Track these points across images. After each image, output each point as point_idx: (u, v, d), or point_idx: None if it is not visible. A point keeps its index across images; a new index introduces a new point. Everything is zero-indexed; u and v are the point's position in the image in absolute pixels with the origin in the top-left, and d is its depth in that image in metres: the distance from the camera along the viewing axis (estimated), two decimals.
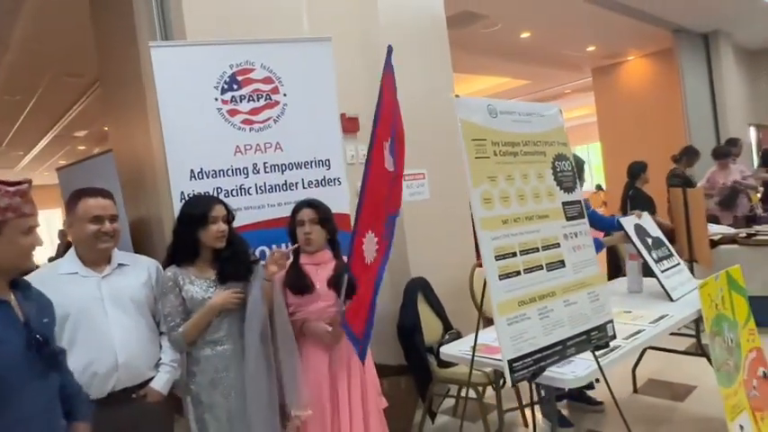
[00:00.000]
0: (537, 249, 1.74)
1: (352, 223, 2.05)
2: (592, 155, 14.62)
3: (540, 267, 1.73)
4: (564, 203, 1.89)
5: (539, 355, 1.64)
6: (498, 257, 1.62)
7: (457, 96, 1.66)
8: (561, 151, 1.94)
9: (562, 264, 1.80)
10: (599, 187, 12.34)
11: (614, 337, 1.93)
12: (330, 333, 2.07)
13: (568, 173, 1.94)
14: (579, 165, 3.01)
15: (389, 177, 2.06)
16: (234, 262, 2.02)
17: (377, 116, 1.98)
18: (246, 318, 2.01)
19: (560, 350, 1.71)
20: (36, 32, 4.94)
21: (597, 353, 1.91)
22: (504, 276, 1.62)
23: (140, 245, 3.54)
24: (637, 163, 4.77)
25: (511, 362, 1.57)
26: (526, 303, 1.65)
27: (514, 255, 1.67)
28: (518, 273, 1.66)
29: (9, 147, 9.89)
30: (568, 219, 1.88)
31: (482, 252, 1.60)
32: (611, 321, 1.92)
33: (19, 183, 1.33)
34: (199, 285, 2.00)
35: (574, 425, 2.89)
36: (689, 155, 5.56)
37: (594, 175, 14.54)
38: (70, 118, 8.24)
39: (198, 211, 2.00)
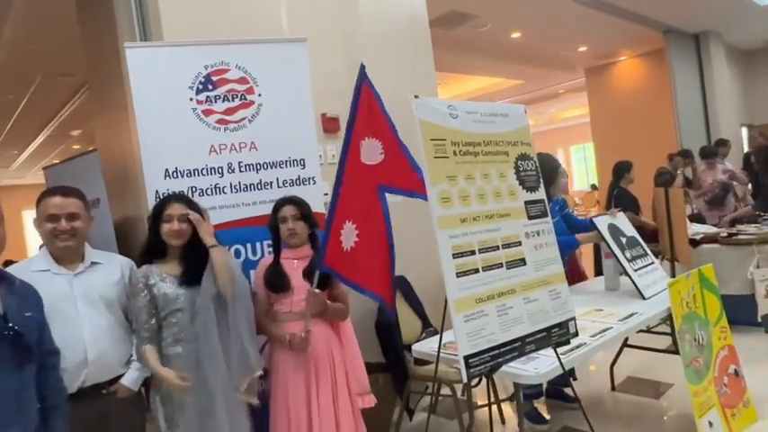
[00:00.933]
0: (497, 247, 1.77)
1: (327, 216, 2.10)
2: (588, 154, 14.67)
3: (499, 265, 1.76)
4: (526, 202, 1.92)
5: (496, 352, 1.67)
6: (456, 255, 1.66)
7: (416, 97, 1.69)
8: (525, 151, 1.97)
9: (523, 262, 1.83)
10: (594, 187, 12.38)
11: (576, 334, 1.96)
12: (302, 339, 2.10)
13: (531, 172, 1.96)
14: (553, 168, 3.05)
15: (369, 170, 2.12)
16: (198, 267, 2.01)
17: (352, 118, 2.06)
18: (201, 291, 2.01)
19: (519, 347, 1.74)
20: (26, 32, 4.97)
21: (562, 350, 1.94)
22: (462, 274, 1.65)
23: (125, 243, 3.57)
24: (622, 162, 4.79)
25: (467, 358, 1.60)
26: (484, 301, 1.68)
27: (473, 253, 1.70)
28: (476, 270, 1.69)
29: (3, 146, 9.92)
30: (530, 217, 1.91)
31: (439, 250, 1.63)
32: (573, 319, 1.95)
33: None
34: (170, 282, 2.02)
35: (548, 422, 2.93)
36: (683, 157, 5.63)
37: (590, 174, 14.59)
38: (63, 117, 8.27)
39: (156, 208, 2.06)
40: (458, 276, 1.64)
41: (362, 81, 2.10)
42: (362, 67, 2.11)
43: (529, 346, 1.77)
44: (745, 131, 8.78)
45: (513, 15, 6.32)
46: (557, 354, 1.88)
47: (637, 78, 8.77)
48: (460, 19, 6.12)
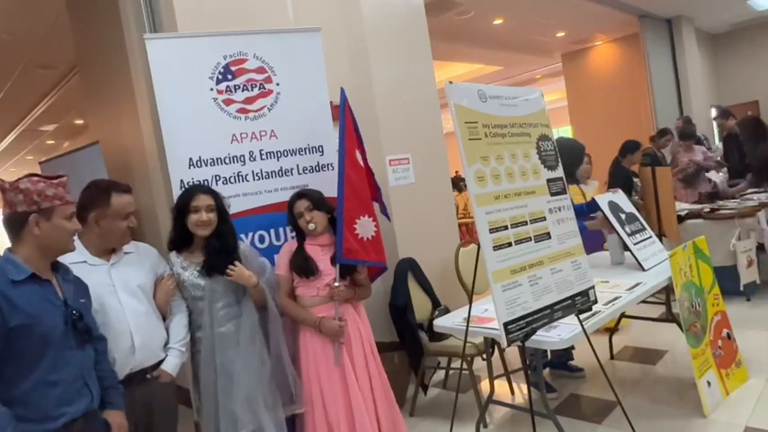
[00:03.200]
0: (525, 223, 1.89)
1: (337, 216, 2.31)
2: None
3: (528, 239, 1.89)
4: (548, 180, 2.05)
5: (530, 318, 1.81)
6: (492, 230, 1.77)
7: (450, 83, 1.78)
8: (544, 132, 2.09)
9: (548, 235, 1.97)
10: None
11: (596, 301, 2.10)
12: (341, 327, 2.23)
13: (551, 152, 2.09)
14: (579, 150, 3.20)
15: (364, 171, 2.50)
16: (219, 258, 2.09)
17: (342, 135, 2.42)
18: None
19: (549, 313, 1.88)
20: (8, 23, 4.84)
21: (580, 317, 2.09)
22: (498, 247, 1.77)
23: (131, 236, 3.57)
24: (630, 142, 4.80)
25: (506, 324, 1.73)
26: (518, 272, 1.81)
27: (506, 228, 1.82)
28: (510, 244, 1.81)
29: None
30: (552, 194, 2.04)
31: (477, 226, 1.75)
32: (593, 287, 2.10)
33: (58, 176, 1.52)
34: (189, 271, 2.12)
35: (557, 390, 3.09)
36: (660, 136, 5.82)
37: None
38: (40, 111, 8.06)
39: (182, 199, 2.13)
40: (494, 250, 1.76)
41: (346, 102, 2.49)
42: (342, 91, 2.51)
43: (557, 313, 1.91)
44: (715, 112, 9.14)
45: (495, 2, 6.42)
46: (579, 320, 2.03)
47: (612, 62, 9.02)
48: (445, 6, 6.20)
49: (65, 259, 1.93)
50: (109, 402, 1.68)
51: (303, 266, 2.27)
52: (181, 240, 2.16)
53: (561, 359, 3.27)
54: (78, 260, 1.90)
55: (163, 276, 2.08)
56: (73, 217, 1.55)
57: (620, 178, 4.38)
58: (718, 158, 6.09)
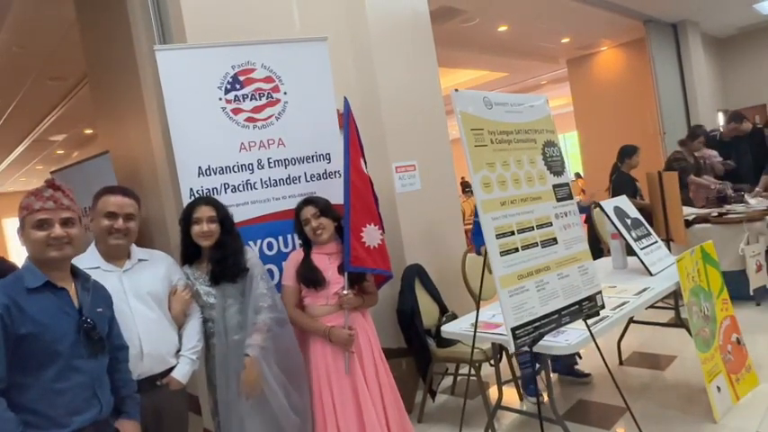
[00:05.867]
0: (532, 228, 1.91)
1: (344, 225, 2.35)
2: (568, 144, 14.99)
3: (535, 244, 1.90)
4: (554, 186, 2.06)
5: (538, 324, 1.81)
6: (499, 236, 1.79)
7: (456, 90, 1.81)
8: (550, 138, 2.11)
9: (554, 241, 1.98)
10: (578, 175, 12.63)
11: (603, 306, 2.11)
12: (351, 336, 2.24)
13: (557, 158, 2.11)
14: None
15: (368, 179, 2.53)
16: (223, 265, 2.11)
17: (347, 144, 2.45)
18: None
19: (556, 318, 1.89)
20: (20, 36, 4.93)
21: (588, 322, 2.09)
22: (505, 253, 1.79)
23: (140, 244, 3.60)
24: (626, 146, 4.79)
25: (514, 329, 1.74)
26: (524, 277, 1.82)
27: (512, 233, 1.83)
28: (516, 249, 1.83)
29: None
30: (558, 200, 2.05)
31: (484, 231, 1.76)
32: (600, 292, 2.10)
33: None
34: (201, 281, 2.15)
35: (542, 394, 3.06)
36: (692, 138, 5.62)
37: (571, 163, 14.86)
38: (50, 122, 8.17)
39: (185, 212, 2.17)
40: (501, 255, 1.77)
41: (350, 111, 2.54)
42: (346, 100, 2.57)
43: (564, 318, 1.91)
44: (721, 116, 9.11)
45: (500, 9, 6.46)
46: (587, 325, 2.03)
47: (618, 68, 9.03)
48: (450, 14, 6.24)
49: (78, 264, 1.97)
50: (124, 411, 1.69)
51: (311, 278, 2.29)
52: (190, 253, 2.19)
53: (567, 363, 3.27)
54: (92, 266, 1.92)
55: (177, 287, 2.08)
56: (43, 224, 1.50)
57: (623, 185, 4.38)
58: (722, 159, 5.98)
